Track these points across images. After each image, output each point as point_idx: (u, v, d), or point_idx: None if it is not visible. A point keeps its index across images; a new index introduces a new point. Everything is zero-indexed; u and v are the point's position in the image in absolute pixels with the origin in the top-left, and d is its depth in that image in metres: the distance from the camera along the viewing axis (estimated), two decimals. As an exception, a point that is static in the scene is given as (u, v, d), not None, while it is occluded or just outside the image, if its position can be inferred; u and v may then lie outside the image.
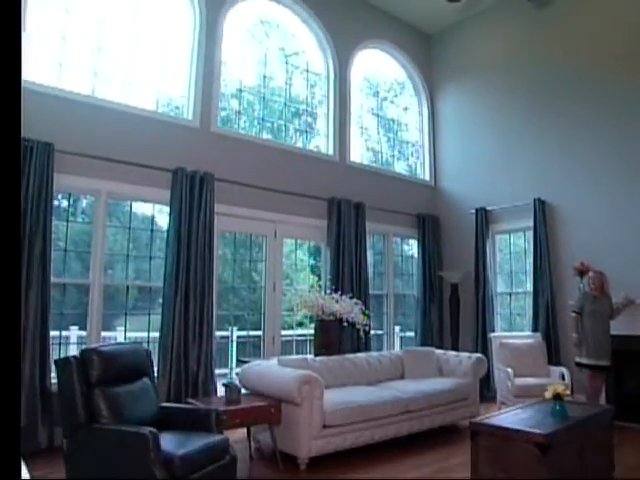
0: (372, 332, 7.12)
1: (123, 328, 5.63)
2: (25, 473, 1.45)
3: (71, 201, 5.53)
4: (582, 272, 6.49)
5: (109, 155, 5.27)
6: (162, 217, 5.86)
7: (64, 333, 5.47)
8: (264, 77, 7.05)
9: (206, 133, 6.13)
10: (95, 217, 5.34)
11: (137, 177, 5.48)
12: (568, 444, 3.45)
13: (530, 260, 7.22)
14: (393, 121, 8.71)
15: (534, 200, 7.08)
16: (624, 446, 4.75)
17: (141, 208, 5.93)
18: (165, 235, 5.63)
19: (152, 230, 5.83)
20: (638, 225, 6.24)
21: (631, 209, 6.34)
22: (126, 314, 5.58)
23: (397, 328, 8.20)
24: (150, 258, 5.74)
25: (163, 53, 6.10)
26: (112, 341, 6.16)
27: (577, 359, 5.59)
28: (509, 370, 5.87)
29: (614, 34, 6.72)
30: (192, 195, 5.67)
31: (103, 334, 5.39)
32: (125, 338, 5.61)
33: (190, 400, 4.43)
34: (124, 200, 5.65)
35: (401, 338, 8.33)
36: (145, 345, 4.91)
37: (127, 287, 5.59)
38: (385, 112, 8.62)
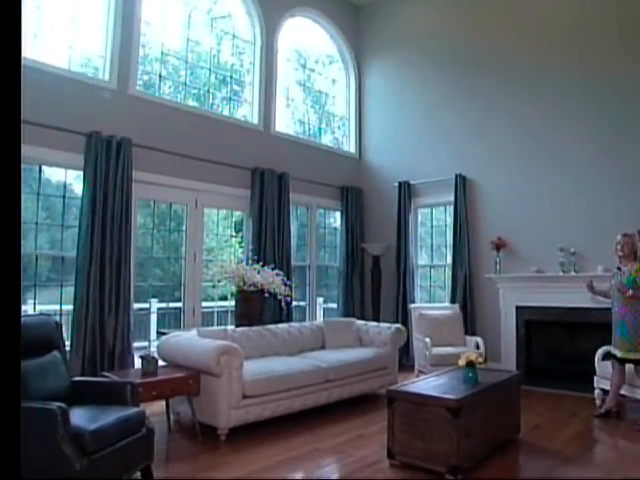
0: (294, 303, 7.15)
1: (33, 301, 5.32)
2: None
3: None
4: (498, 246, 6.78)
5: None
6: (79, 184, 5.54)
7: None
8: (188, 40, 6.76)
9: (124, 96, 5.81)
10: None
11: (47, 139, 5.10)
12: (478, 407, 3.61)
13: (451, 234, 7.44)
14: (321, 93, 8.64)
15: (455, 175, 7.26)
16: (530, 409, 5.05)
17: (56, 174, 5.58)
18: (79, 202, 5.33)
19: (65, 197, 5.50)
20: (547, 202, 6.56)
21: (541, 186, 6.64)
22: (35, 285, 5.27)
23: (320, 299, 8.28)
24: (63, 226, 5.43)
25: (76, 5, 5.66)
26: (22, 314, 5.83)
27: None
28: (427, 340, 6.06)
29: (534, 17, 6.93)
30: (108, 161, 5.39)
31: (11, 306, 5.06)
32: (35, 311, 5.32)
33: (105, 373, 4.28)
34: (31, 164, 5.25)
35: (324, 309, 8.42)
36: (57, 318, 4.69)
37: (36, 257, 5.28)
38: (313, 84, 8.53)
